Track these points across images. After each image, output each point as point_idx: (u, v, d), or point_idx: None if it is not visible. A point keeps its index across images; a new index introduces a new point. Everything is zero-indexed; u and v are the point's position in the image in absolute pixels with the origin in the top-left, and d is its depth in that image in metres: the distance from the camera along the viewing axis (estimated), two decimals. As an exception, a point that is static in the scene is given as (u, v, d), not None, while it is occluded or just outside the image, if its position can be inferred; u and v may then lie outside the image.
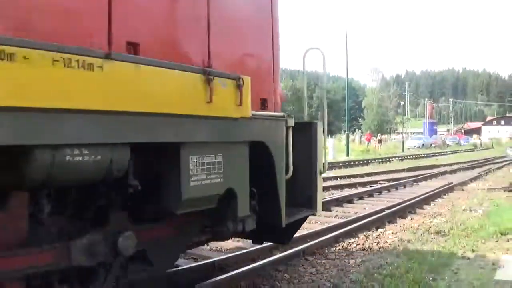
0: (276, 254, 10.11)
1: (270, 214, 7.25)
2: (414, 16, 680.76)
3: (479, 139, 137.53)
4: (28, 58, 3.88)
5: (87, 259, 5.14)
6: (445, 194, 21.40)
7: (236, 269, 8.78)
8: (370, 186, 23.27)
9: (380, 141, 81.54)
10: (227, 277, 8.21)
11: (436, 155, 63.78)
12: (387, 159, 48.51)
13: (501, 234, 12.80)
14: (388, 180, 26.12)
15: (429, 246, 11.68)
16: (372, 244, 12.07)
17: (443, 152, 76.27)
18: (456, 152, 76.52)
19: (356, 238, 12.51)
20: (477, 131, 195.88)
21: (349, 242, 12.08)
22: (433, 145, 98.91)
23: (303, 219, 8.79)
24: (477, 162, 45.43)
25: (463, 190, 23.27)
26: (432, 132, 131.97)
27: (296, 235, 10.03)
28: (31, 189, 4.58)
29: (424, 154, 64.98)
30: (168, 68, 5.32)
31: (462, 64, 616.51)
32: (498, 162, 44.34)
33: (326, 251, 11.15)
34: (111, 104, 4.63)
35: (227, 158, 6.23)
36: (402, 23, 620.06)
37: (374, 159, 48.21)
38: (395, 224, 14.73)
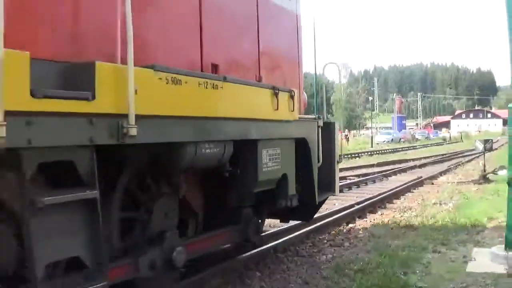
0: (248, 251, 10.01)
1: (307, 194, 9.42)
2: (381, 11, 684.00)
3: (448, 132, 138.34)
4: (186, 82, 6.05)
5: None
6: (415, 188, 21.45)
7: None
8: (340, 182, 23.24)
9: (347, 137, 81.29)
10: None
11: (406, 150, 64.03)
12: (356, 155, 48.49)
13: (472, 227, 12.82)
14: (358, 176, 26.08)
15: (399, 241, 11.65)
16: (343, 240, 12.04)
17: (412, 146, 76.54)
18: (425, 146, 76.94)
19: (327, 234, 12.46)
20: (446, 124, 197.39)
21: (319, 239, 12.02)
22: (402, 140, 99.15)
23: (323, 201, 10.82)
24: (446, 155, 45.71)
25: (432, 184, 23.37)
26: (401, 126, 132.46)
27: (268, 232, 10.23)
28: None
29: (393, 148, 65.12)
30: (253, 86, 7.78)
31: (430, 58, 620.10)
32: (467, 155, 44.55)
33: (297, 248, 11.07)
34: (225, 112, 6.83)
35: (283, 150, 8.41)
36: (370, 18, 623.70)
37: (343, 155, 48.03)
38: (365, 219, 14.71)
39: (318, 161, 9.77)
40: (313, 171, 9.55)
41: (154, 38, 6.28)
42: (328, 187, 10.51)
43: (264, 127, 7.84)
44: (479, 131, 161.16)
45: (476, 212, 14.39)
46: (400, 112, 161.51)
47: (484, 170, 24.81)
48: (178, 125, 5.98)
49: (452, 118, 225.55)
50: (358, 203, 16.27)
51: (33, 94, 4.16)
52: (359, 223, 14.04)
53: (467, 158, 40.82)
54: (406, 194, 19.72)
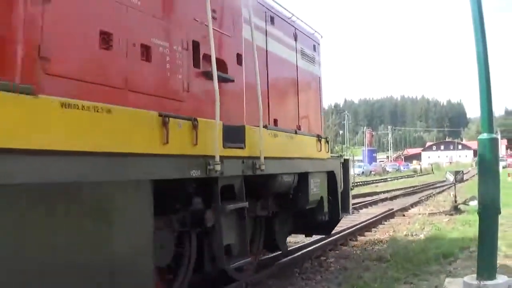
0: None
1: (333, 212, 12.56)
2: (350, 45, 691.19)
3: (419, 164, 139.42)
4: (279, 136, 9.55)
5: None
6: (386, 220, 21.40)
7: None
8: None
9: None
10: None
11: (376, 182, 64.06)
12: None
13: (443, 257, 12.76)
14: (329, 208, 25.92)
15: (371, 273, 11.56)
16: (314, 272, 11.96)
17: (383, 179, 76.69)
18: (396, 179, 77.23)
19: (299, 268, 12.34)
20: (417, 156, 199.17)
21: (291, 272, 11.89)
22: (373, 172, 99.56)
23: (341, 219, 13.72)
24: (417, 187, 45.85)
25: (404, 215, 23.33)
26: (372, 159, 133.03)
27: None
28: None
29: (364, 181, 65.20)
30: (308, 135, 11.64)
31: (400, 91, 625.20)
32: (438, 187, 44.66)
33: (268, 282, 10.91)
34: (294, 153, 10.35)
35: (321, 180, 11.79)
36: (339, 52, 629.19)
37: (355, 183, 48.09)
38: (336, 251, 14.60)
39: (340, 187, 13.06)
40: (338, 195, 12.87)
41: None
42: (345, 208, 13.45)
43: (312, 163, 11.38)
44: (450, 163, 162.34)
45: (447, 242, 14.37)
46: (371, 145, 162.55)
47: (455, 201, 24.89)
48: (275, 162, 9.44)
49: (423, 150, 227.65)
50: (329, 236, 16.16)
51: (223, 145, 7.62)
52: (331, 255, 13.93)
53: (438, 190, 40.91)
54: (378, 226, 19.65)
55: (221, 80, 7.90)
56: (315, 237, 16.13)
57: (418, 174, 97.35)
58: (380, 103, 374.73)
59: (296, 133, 10.64)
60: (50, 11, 5.12)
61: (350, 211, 14.61)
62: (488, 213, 8.94)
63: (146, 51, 6.46)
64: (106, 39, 5.87)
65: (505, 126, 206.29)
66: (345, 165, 13.72)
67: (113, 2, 6.00)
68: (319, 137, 11.84)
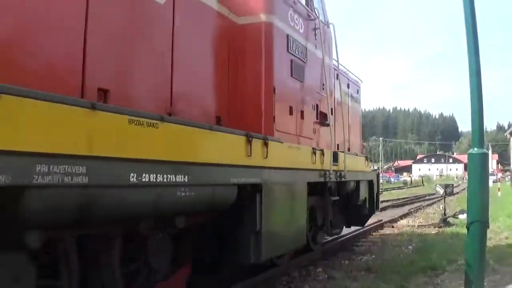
0: None
1: (370, 209, 17.26)
2: (343, 55, 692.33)
3: (410, 176, 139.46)
4: (350, 157, 14.78)
5: None
6: (375, 232, 21.39)
7: None
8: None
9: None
10: None
11: (367, 193, 64.01)
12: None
13: (431, 270, 12.78)
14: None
15: (358, 283, 11.58)
16: (302, 282, 11.93)
17: (374, 190, 76.60)
18: (386, 190, 77.20)
19: (287, 277, 12.32)
20: (408, 169, 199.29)
21: (279, 281, 11.86)
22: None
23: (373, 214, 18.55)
24: (407, 199, 45.77)
25: (393, 227, 23.30)
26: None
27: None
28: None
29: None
30: (361, 156, 16.63)
31: (392, 103, 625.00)
32: (428, 199, 44.66)
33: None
34: (357, 168, 15.66)
35: (366, 186, 16.46)
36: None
37: (382, 189, 48.22)
38: (325, 261, 14.60)
39: (375, 192, 17.72)
40: (374, 197, 17.58)
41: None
42: (377, 207, 18.55)
43: (362, 174, 16.25)
44: (440, 175, 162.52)
45: (436, 255, 14.37)
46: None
47: (445, 214, 25.00)
48: (349, 174, 14.15)
49: (413, 162, 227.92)
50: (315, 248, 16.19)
51: (332, 164, 12.82)
52: (319, 264, 13.93)
53: (427, 202, 40.99)
54: (366, 237, 19.65)
55: (324, 125, 13.05)
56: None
57: (408, 186, 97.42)
58: (372, 114, 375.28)
59: (357, 155, 16.30)
60: (279, 102, 10.33)
61: (379, 210, 20.21)
62: (477, 226, 8.98)
63: (302, 113, 11.73)
64: (297, 111, 11.45)
65: (497, 141, 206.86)
66: (378, 176, 18.84)
67: (314, 92, 12.57)
68: (367, 157, 17.39)
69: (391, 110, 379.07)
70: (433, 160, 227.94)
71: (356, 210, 16.31)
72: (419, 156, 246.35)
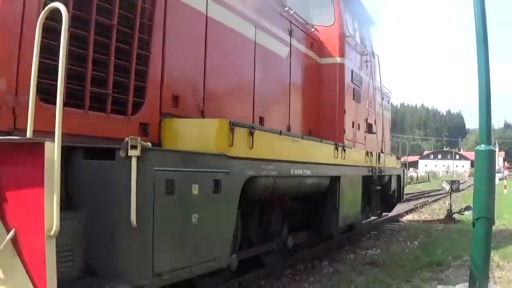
0: None
1: (398, 198, 20.64)
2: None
3: (416, 172, 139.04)
4: (387, 157, 18.42)
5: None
6: (380, 226, 21.40)
7: None
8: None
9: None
10: None
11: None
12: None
13: (436, 265, 12.81)
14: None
15: (363, 277, 11.64)
16: (307, 275, 11.97)
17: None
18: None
19: (291, 269, 12.36)
20: (414, 164, 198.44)
21: (283, 273, 11.94)
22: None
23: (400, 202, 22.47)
24: (413, 195, 45.70)
25: (398, 222, 23.34)
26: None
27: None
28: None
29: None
30: (393, 155, 20.97)
31: (400, 99, 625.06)
32: (434, 195, 44.68)
33: (262, 281, 10.96)
34: (390, 165, 18.75)
35: (395, 179, 19.60)
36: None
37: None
38: (330, 255, 14.64)
39: (402, 184, 20.96)
40: (402, 187, 21.09)
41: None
42: (403, 197, 22.61)
43: (393, 169, 19.15)
44: (447, 172, 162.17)
45: (441, 250, 14.40)
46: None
47: (450, 210, 24.95)
48: (386, 169, 17.37)
49: (420, 158, 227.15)
50: (323, 240, 16.23)
51: (377, 162, 16.47)
52: (325, 258, 13.97)
53: (433, 198, 40.92)
54: (372, 232, 19.68)
55: (371, 133, 17.36)
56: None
57: (414, 182, 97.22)
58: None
59: (391, 155, 20.03)
60: (347, 119, 14.74)
61: (404, 199, 24.55)
62: (483, 223, 9.00)
63: (358, 125, 15.87)
64: (355, 124, 15.41)
65: (504, 138, 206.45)
66: (403, 172, 22.36)
67: (365, 109, 16.75)
68: (397, 157, 21.58)
69: (399, 106, 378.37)
70: (439, 156, 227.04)
71: (387, 198, 19.47)
72: (425, 152, 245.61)
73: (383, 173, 16.96)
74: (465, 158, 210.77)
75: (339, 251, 15.28)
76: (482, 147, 9.14)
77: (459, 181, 33.00)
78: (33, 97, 4.74)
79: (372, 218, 19.34)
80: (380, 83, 19.51)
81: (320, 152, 11.35)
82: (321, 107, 14.02)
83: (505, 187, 50.07)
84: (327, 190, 12.05)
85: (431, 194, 47.02)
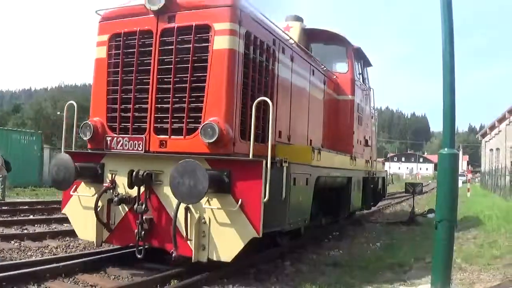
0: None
1: (383, 195, 26.21)
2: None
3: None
4: (376, 163, 24.67)
5: None
6: (343, 228, 21.44)
7: None
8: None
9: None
10: None
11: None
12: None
13: (399, 266, 12.88)
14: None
15: (325, 277, 11.65)
16: (269, 274, 11.93)
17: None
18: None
19: (254, 268, 12.30)
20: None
21: (249, 272, 11.88)
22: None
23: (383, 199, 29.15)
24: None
25: (361, 224, 23.42)
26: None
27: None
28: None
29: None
30: (379, 161, 28.26)
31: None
32: (397, 197, 45.06)
33: (224, 280, 10.91)
34: (377, 169, 24.05)
35: (381, 180, 25.00)
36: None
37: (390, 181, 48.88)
38: (293, 255, 14.63)
39: (385, 184, 25.85)
40: (385, 187, 26.16)
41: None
42: (385, 194, 26.94)
43: (380, 172, 24.71)
44: (410, 174, 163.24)
45: (403, 252, 14.50)
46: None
47: (413, 212, 25.16)
48: (377, 172, 23.81)
49: (384, 160, 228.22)
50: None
51: (370, 167, 21.95)
52: (287, 259, 13.96)
53: (396, 200, 41.24)
54: (334, 234, 19.71)
55: (367, 146, 21.55)
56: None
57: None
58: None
59: (376, 161, 23.78)
60: (355, 138, 19.99)
61: (386, 196, 30.12)
62: (445, 225, 9.07)
63: (360, 141, 20.38)
64: (359, 140, 20.39)
65: (468, 142, 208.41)
66: (387, 173, 28.34)
67: (364, 129, 21.54)
68: (383, 162, 28.70)
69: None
70: (403, 159, 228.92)
71: (376, 194, 23.77)
72: (389, 155, 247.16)
73: (374, 175, 22.67)
74: (429, 161, 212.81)
75: (301, 251, 15.27)
76: (446, 150, 9.22)
77: (422, 183, 33.54)
78: (253, 139, 10.30)
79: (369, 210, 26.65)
80: (375, 108, 24.87)
81: (344, 161, 16.62)
82: (338, 130, 18.73)
83: (468, 190, 50.57)
84: (344, 186, 17.22)
85: (395, 196, 47.25)
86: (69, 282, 10.68)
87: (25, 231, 17.46)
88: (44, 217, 21.69)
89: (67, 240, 15.79)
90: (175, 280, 10.50)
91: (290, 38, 14.73)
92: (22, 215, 22.26)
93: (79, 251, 14.16)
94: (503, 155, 61.41)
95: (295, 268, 12.79)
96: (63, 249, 14.47)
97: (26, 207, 24.81)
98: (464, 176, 72.11)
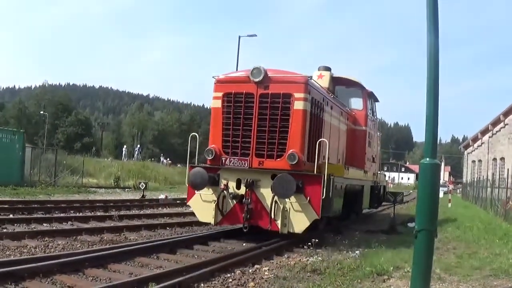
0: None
1: (383, 199, 31.54)
2: (301, 60, 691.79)
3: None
4: (380, 175, 33.45)
5: None
6: (323, 235, 21.38)
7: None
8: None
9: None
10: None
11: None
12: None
13: (378, 275, 12.85)
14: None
15: (304, 284, 11.58)
16: (248, 279, 11.90)
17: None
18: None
19: (232, 274, 12.34)
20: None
21: (225, 277, 11.90)
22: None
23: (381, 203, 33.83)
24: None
25: (341, 232, 23.38)
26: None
27: (173, 267, 10.05)
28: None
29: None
30: (384, 173, 43.52)
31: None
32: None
33: (202, 285, 10.91)
34: (381, 179, 32.87)
35: (383, 187, 32.10)
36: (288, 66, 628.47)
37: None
38: (271, 261, 14.64)
39: (385, 191, 32.46)
40: (385, 193, 31.46)
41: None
42: (384, 199, 31.36)
43: (382, 181, 32.33)
44: (392, 184, 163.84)
45: (382, 261, 14.44)
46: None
47: (394, 221, 25.18)
48: (381, 182, 32.54)
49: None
50: (265, 245, 16.26)
51: (375, 178, 30.13)
52: (265, 264, 13.96)
53: (378, 209, 41.21)
54: (313, 240, 19.63)
55: (374, 162, 27.85)
56: (252, 243, 16.25)
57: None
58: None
59: (380, 173, 30.92)
60: (366, 157, 26.68)
61: (385, 201, 32.12)
62: (425, 235, 9.05)
63: (368, 159, 26.15)
64: (368, 158, 26.57)
65: (451, 153, 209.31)
66: (387, 183, 37.29)
67: (372, 149, 27.91)
68: (384, 175, 35.67)
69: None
70: (385, 168, 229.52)
71: (378, 199, 29.92)
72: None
73: (378, 184, 29.39)
74: (411, 171, 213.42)
75: (280, 257, 15.26)
76: (427, 160, 9.20)
77: (403, 193, 34.28)
78: (316, 162, 17.08)
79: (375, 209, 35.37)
80: (379, 133, 31.48)
81: (360, 174, 23.71)
82: (355, 151, 24.43)
83: (449, 201, 50.77)
84: (359, 192, 23.90)
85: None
86: (47, 282, 10.74)
87: (4, 230, 17.39)
88: (23, 216, 21.65)
89: (46, 240, 15.78)
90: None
91: (329, 91, 22.25)
92: (1, 214, 22.17)
93: (57, 251, 14.15)
94: (485, 167, 61.73)
95: (274, 274, 12.76)
96: (42, 249, 14.48)
97: (6, 206, 24.69)
98: (446, 186, 72.46)
